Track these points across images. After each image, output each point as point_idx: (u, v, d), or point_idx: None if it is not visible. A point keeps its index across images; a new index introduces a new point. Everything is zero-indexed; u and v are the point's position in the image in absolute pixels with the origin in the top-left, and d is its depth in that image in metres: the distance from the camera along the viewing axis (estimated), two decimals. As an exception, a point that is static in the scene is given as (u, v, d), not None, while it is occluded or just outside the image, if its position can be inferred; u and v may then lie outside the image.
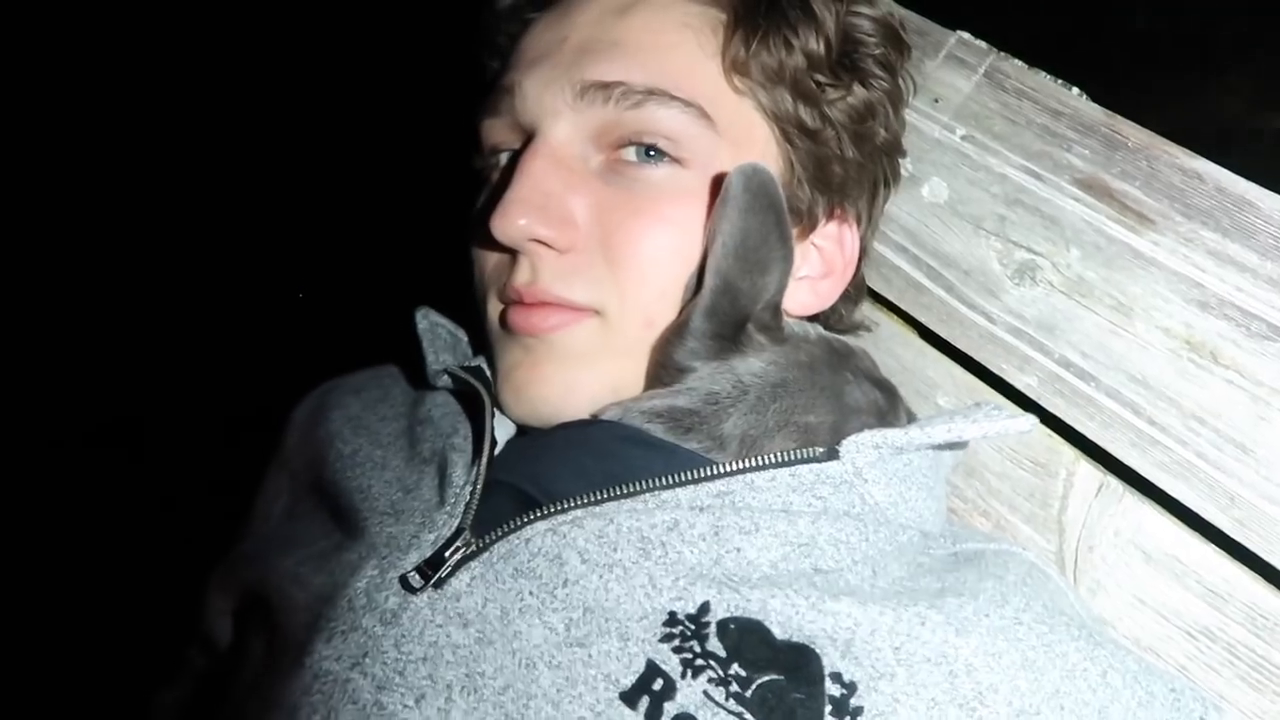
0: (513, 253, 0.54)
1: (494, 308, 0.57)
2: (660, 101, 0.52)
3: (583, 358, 0.53)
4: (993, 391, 0.68)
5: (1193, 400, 0.61)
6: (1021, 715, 0.43)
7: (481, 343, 0.62)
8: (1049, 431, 0.66)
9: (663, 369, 0.52)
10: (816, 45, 0.56)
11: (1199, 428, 0.60)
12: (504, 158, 0.59)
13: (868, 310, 0.72)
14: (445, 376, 0.58)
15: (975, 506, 0.67)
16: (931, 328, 0.70)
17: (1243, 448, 0.59)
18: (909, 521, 0.51)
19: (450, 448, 0.52)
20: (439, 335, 0.63)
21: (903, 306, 0.72)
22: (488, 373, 0.58)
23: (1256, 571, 0.59)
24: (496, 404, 0.55)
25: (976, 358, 0.68)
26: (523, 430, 0.58)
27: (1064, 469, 0.64)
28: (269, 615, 0.52)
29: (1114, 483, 0.63)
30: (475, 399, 0.55)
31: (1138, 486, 0.62)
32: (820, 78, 0.57)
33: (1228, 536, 0.59)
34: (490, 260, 0.57)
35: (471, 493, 0.48)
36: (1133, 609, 0.60)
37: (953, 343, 0.69)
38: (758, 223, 0.50)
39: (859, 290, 0.68)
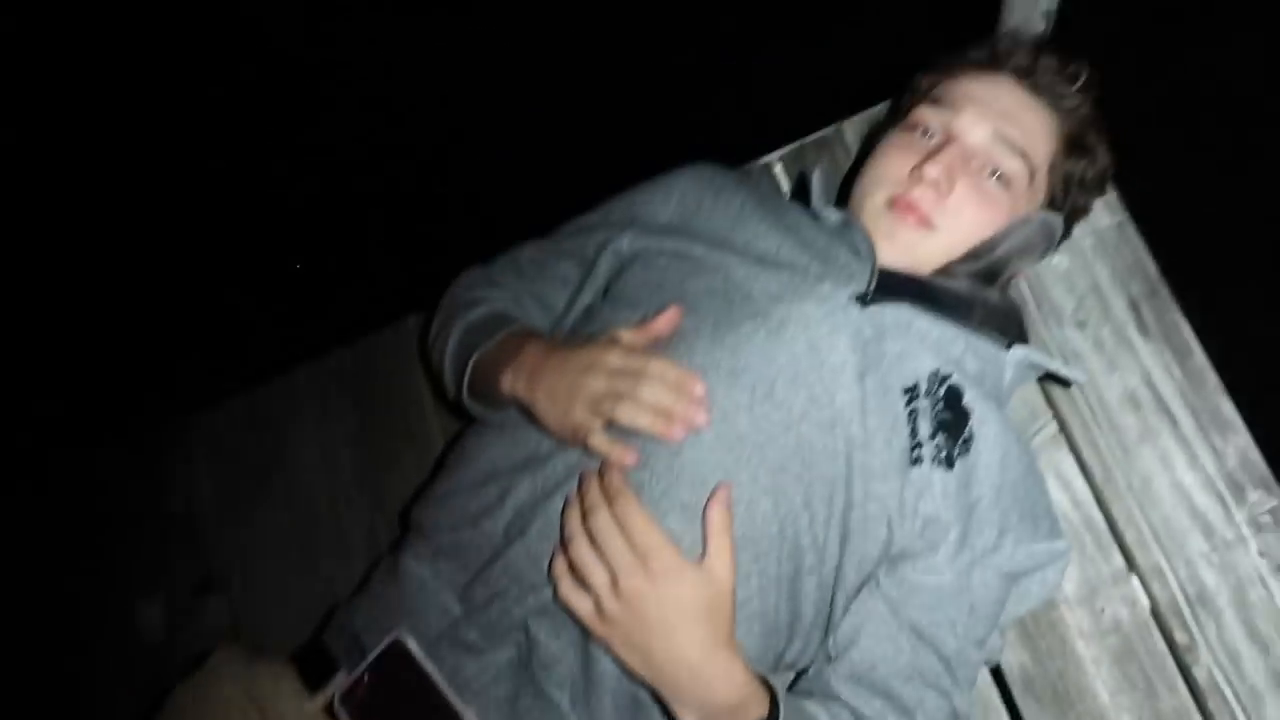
0: (914, 177, 1.13)
1: (882, 195, 1.11)
2: (1025, 161, 1.14)
3: (919, 244, 1.12)
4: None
5: (1113, 400, 1.30)
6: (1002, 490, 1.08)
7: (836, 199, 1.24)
8: (1044, 394, 1.34)
9: (948, 271, 1.12)
10: (1088, 174, 1.20)
11: (1107, 423, 1.30)
12: (919, 133, 1.17)
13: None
14: (833, 212, 1.16)
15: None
16: (1022, 322, 1.36)
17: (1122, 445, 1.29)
18: (1004, 398, 1.15)
19: (849, 246, 1.12)
20: (827, 185, 1.24)
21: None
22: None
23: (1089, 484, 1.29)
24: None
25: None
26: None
27: (1044, 414, 1.34)
28: (709, 273, 1.08)
29: (1054, 426, 1.33)
30: (853, 230, 1.13)
31: (1066, 434, 1.32)
32: (1078, 190, 1.20)
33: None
34: (894, 171, 1.14)
35: (871, 272, 1.07)
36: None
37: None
38: (1038, 239, 1.15)
39: None
